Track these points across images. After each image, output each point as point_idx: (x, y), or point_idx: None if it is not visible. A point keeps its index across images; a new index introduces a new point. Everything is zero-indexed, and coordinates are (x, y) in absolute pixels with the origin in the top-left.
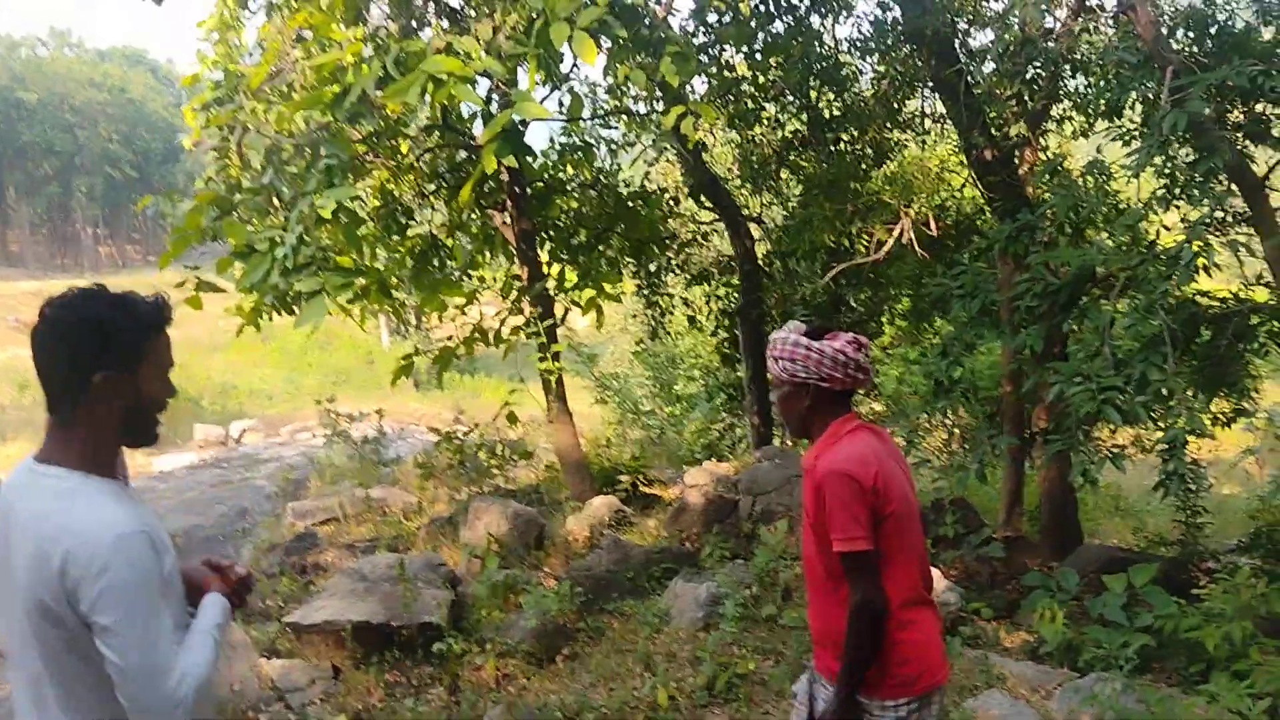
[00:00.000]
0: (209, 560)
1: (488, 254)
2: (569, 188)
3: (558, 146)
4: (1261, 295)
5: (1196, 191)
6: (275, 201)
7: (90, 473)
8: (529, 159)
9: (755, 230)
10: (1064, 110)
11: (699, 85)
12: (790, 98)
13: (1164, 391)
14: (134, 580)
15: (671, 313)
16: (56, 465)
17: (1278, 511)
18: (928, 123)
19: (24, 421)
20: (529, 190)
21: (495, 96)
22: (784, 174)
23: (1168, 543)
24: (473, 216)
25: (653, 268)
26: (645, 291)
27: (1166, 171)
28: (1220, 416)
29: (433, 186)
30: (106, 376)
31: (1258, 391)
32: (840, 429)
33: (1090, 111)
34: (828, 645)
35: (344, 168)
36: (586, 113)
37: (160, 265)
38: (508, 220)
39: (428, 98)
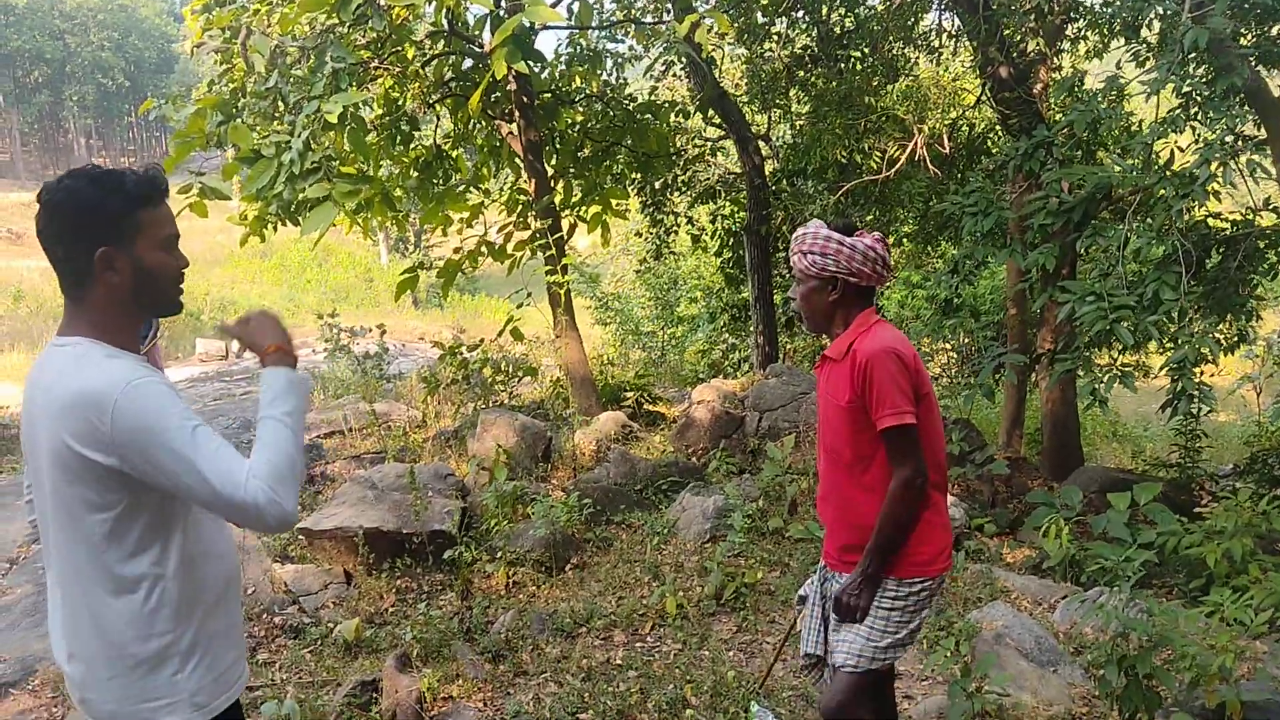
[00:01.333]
0: (222, 325)
1: (493, 166)
2: (576, 100)
3: (565, 56)
4: (1269, 220)
5: (1213, 111)
6: (280, 106)
7: (100, 340)
8: (537, 68)
9: (763, 149)
10: (1080, 29)
11: None
12: (801, 13)
13: (1175, 312)
14: (163, 409)
15: (676, 231)
16: (70, 336)
17: (1275, 437)
18: (942, 39)
19: (19, 333)
20: (536, 101)
21: (504, 1)
22: (793, 91)
23: (1167, 465)
24: (479, 127)
25: (659, 184)
26: (650, 209)
27: (1184, 91)
28: (1224, 341)
29: (438, 95)
30: (105, 251)
31: (1260, 317)
32: (868, 319)
33: (1106, 30)
34: (850, 531)
35: (350, 72)
36: (595, 21)
37: (165, 170)
38: (515, 131)
39: (434, 1)
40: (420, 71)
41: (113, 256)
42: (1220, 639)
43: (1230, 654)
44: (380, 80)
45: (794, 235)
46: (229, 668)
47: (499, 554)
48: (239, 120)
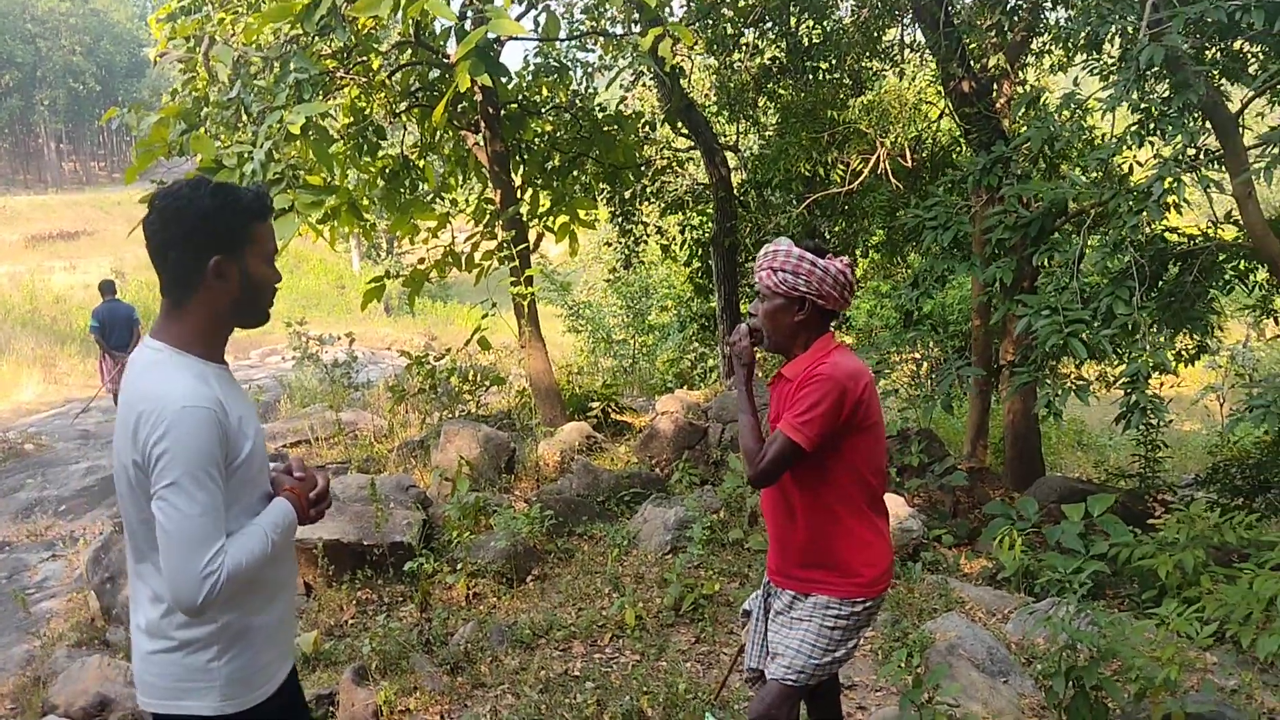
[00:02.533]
0: (290, 467)
1: (460, 176)
2: (544, 110)
3: (532, 67)
4: (1229, 234)
5: (1170, 126)
6: (243, 116)
7: (182, 349)
8: (503, 79)
9: (731, 159)
10: (1043, 44)
11: (677, 8)
12: (769, 24)
13: (1129, 326)
14: (189, 449)
15: (645, 241)
16: (158, 340)
17: (1236, 448)
18: (907, 53)
19: None
20: (503, 111)
21: (469, 13)
22: (761, 102)
23: (1128, 475)
24: (445, 137)
25: (627, 195)
26: (619, 219)
27: (1142, 107)
28: (1184, 353)
29: (404, 105)
30: (218, 260)
31: (1221, 329)
32: (828, 344)
33: (1069, 45)
34: (789, 550)
35: (314, 83)
36: (563, 34)
37: (126, 180)
38: (481, 142)
39: (400, 12)
40: (386, 81)
41: (224, 266)
42: (1166, 651)
43: (1175, 666)
44: (346, 90)
45: (762, 251)
46: (267, 665)
47: (460, 565)
48: (202, 130)
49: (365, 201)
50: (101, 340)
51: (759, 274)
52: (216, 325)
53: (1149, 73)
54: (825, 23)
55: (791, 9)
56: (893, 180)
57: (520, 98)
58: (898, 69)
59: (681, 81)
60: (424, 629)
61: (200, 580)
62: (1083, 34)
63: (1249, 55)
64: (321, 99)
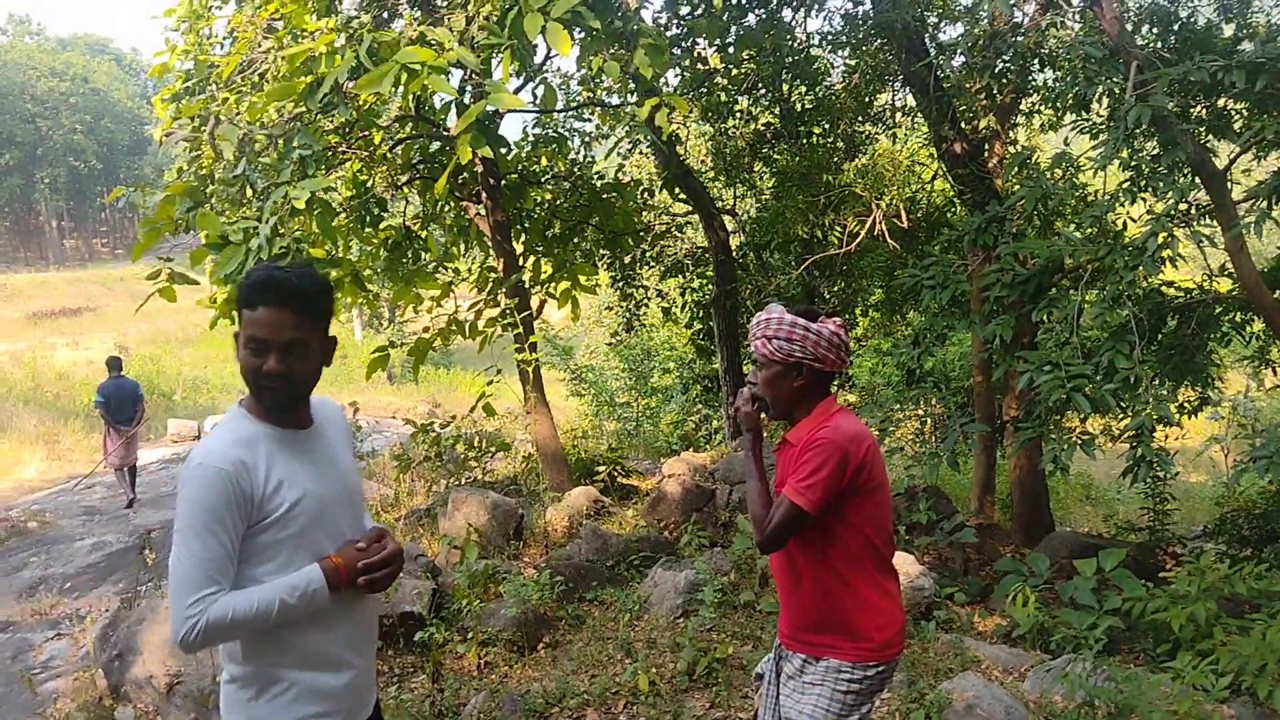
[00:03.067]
0: (368, 536)
1: (462, 246)
2: (543, 179)
3: (531, 138)
4: (1224, 286)
5: (1161, 184)
6: (248, 192)
7: (246, 410)
8: (503, 150)
9: (729, 223)
10: (1033, 104)
11: (672, 78)
12: (763, 91)
13: (1131, 379)
14: (190, 503)
15: (646, 305)
16: (239, 401)
17: (1243, 499)
18: (898, 116)
19: None
20: (503, 182)
21: (469, 87)
22: (757, 166)
23: (1137, 529)
24: (447, 208)
25: (627, 260)
26: (620, 284)
27: (1132, 164)
28: (1186, 405)
29: (405, 177)
30: (235, 334)
31: (1222, 380)
32: (829, 408)
33: (1058, 106)
34: (800, 612)
35: (317, 158)
36: (560, 104)
37: (133, 257)
38: (482, 212)
39: (401, 88)
40: (388, 155)
41: (237, 340)
42: (1183, 705)
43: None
44: (348, 164)
45: (755, 320)
46: (308, 717)
47: (470, 634)
48: (207, 206)
49: (368, 272)
50: (107, 415)
51: (754, 343)
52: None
53: (1138, 131)
54: (817, 89)
55: (784, 76)
56: (889, 241)
57: (520, 168)
58: (890, 132)
59: (678, 148)
60: (436, 700)
61: (182, 620)
62: (1070, 95)
63: (1233, 112)
64: (325, 174)
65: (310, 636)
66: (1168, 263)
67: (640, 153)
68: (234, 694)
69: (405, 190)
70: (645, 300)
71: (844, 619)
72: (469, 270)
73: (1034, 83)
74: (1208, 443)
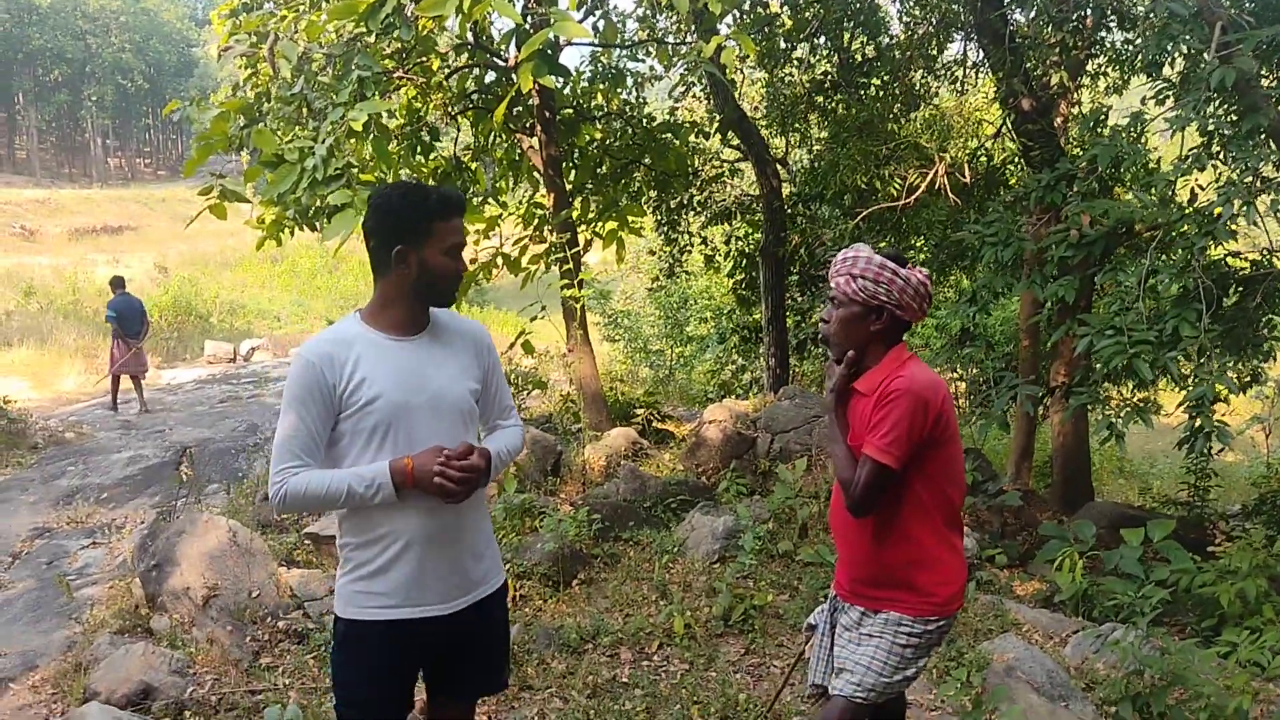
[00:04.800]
0: (441, 446)
1: (511, 180)
2: (597, 117)
3: (588, 73)
4: None
5: (1238, 149)
6: (305, 112)
7: (361, 316)
8: (560, 83)
9: (781, 172)
10: (1099, 66)
11: (731, 20)
12: (822, 39)
13: (1197, 348)
14: (289, 384)
15: (689, 251)
16: (358, 309)
17: None
18: (963, 71)
19: (29, 328)
20: (558, 116)
21: (531, 16)
22: (812, 117)
23: (1175, 504)
24: (499, 140)
25: (674, 204)
26: (665, 228)
27: (1210, 128)
28: (1236, 381)
29: (460, 107)
30: (400, 249)
31: (1274, 357)
32: (900, 355)
33: (1127, 68)
34: (861, 565)
35: (375, 81)
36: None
37: (185, 172)
38: (536, 145)
39: (463, 12)
40: (444, 83)
41: (406, 254)
42: (1237, 680)
43: (1247, 695)
44: (403, 90)
45: (840, 255)
46: (382, 593)
47: (506, 566)
48: (263, 125)
49: None
50: (119, 328)
51: (835, 280)
52: (397, 301)
53: (1216, 95)
54: (879, 39)
55: (845, 25)
56: (950, 195)
57: (576, 103)
58: (953, 86)
59: (733, 92)
60: None
61: (271, 484)
62: (1144, 56)
63: None
64: (381, 98)
65: (383, 527)
66: (1235, 232)
67: (693, 96)
68: (340, 568)
69: (459, 119)
70: (689, 246)
71: (909, 573)
72: (516, 206)
73: (1103, 43)
74: (1250, 421)
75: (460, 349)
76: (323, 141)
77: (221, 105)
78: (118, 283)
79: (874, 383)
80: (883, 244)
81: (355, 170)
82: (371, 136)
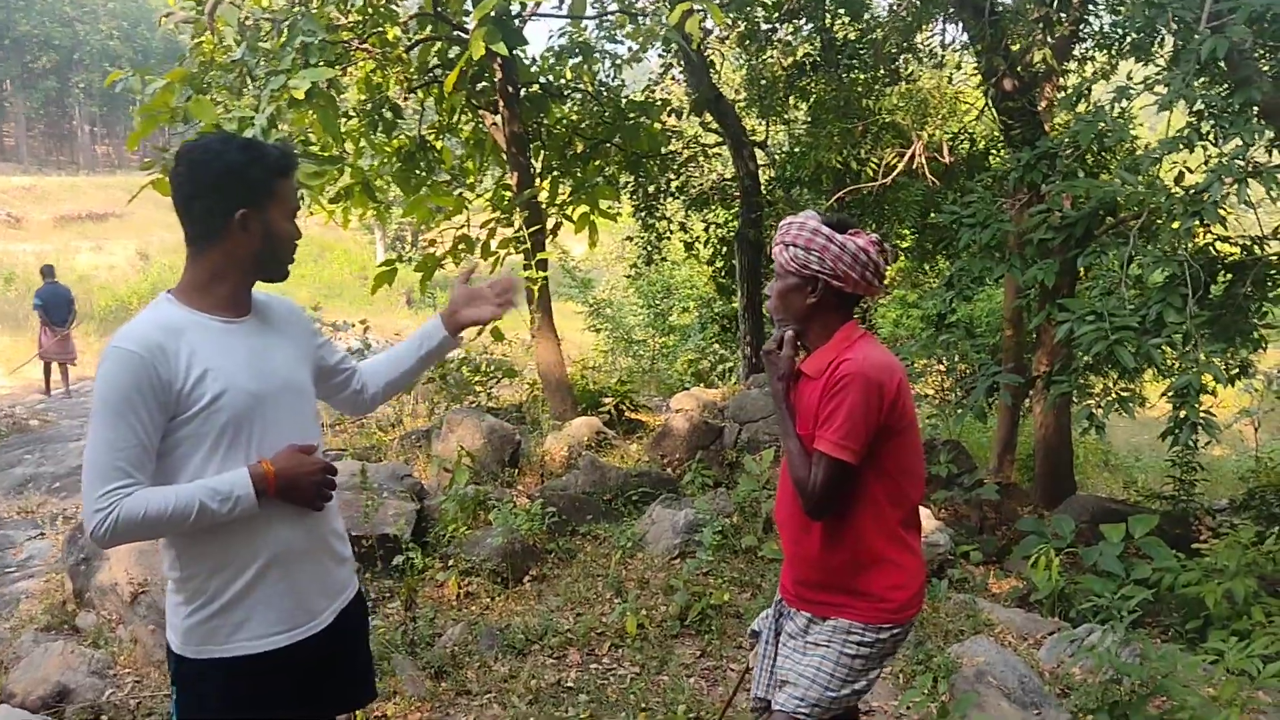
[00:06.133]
0: (298, 445)
1: (478, 160)
2: (566, 94)
3: (555, 49)
4: (1272, 249)
5: (1230, 125)
6: (247, 81)
7: (176, 297)
8: (521, 54)
9: (759, 157)
10: (1085, 50)
11: None
12: (803, 20)
13: (1182, 335)
14: (105, 385)
15: (668, 238)
16: (169, 290)
17: (1274, 473)
18: (946, 53)
19: (5, 315)
20: (524, 92)
21: None
22: (792, 100)
23: (1160, 498)
24: (464, 119)
25: (651, 189)
26: (642, 214)
27: (1197, 108)
28: (1223, 373)
29: (421, 82)
30: (245, 213)
31: (1265, 347)
32: (851, 333)
33: (1114, 51)
34: (806, 566)
35: (321, 47)
36: (591, 12)
37: (129, 146)
38: (499, 122)
39: None
40: (404, 56)
41: (249, 218)
42: (1225, 690)
43: (1236, 708)
44: (361, 65)
45: (780, 224)
46: (240, 624)
47: (452, 562)
48: (206, 95)
49: (379, 182)
50: (45, 316)
51: (773, 249)
52: (228, 277)
53: (1207, 69)
54: (861, 20)
55: (827, 5)
56: (928, 176)
57: (542, 79)
58: (935, 66)
59: (711, 74)
60: (409, 629)
61: (93, 512)
62: (1131, 35)
63: None
64: (331, 67)
65: (238, 547)
66: (1221, 216)
67: (672, 78)
68: (170, 600)
69: (421, 96)
70: (667, 233)
71: (860, 576)
72: (486, 189)
73: (1090, 27)
74: (1238, 415)
75: (287, 329)
76: (263, 111)
77: (166, 76)
78: (47, 271)
79: (821, 365)
80: (866, 227)
81: (311, 147)
82: (317, 106)
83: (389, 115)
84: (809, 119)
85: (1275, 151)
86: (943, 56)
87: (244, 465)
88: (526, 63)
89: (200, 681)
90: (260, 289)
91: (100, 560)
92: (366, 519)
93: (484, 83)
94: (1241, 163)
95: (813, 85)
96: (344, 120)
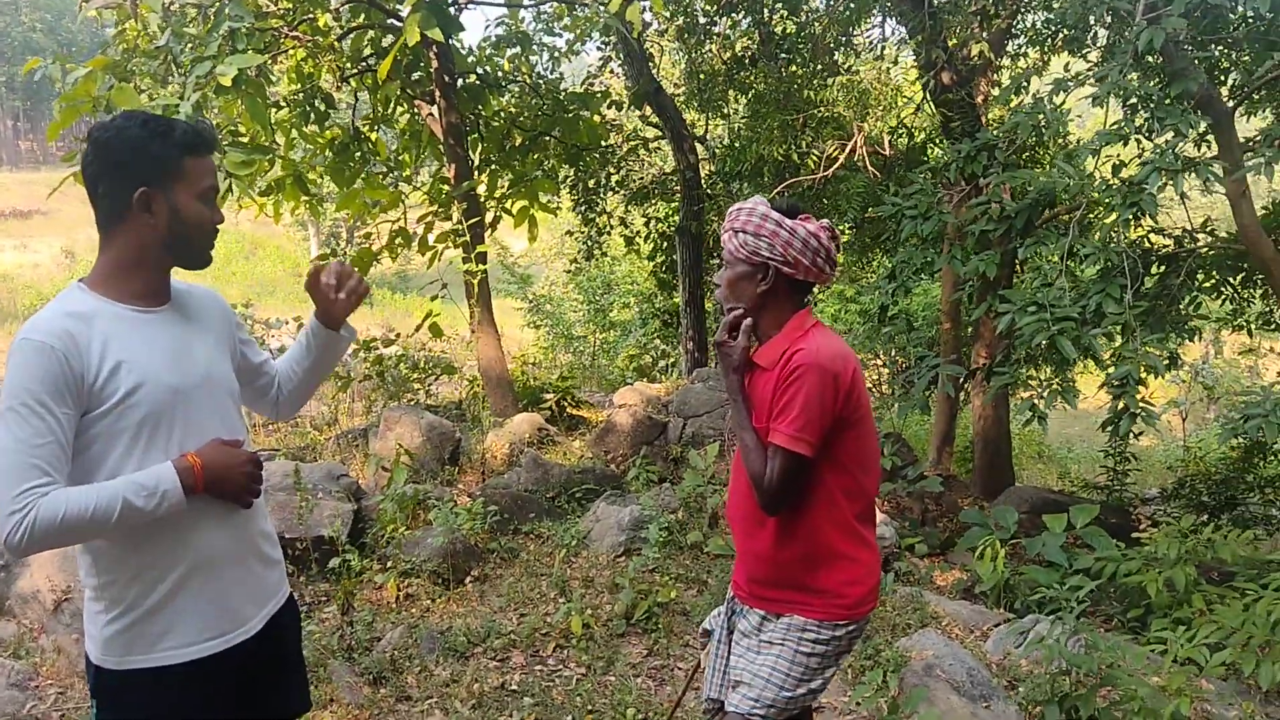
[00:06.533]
0: (224, 439)
1: (415, 152)
2: (504, 85)
3: (492, 39)
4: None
5: (1166, 117)
6: (174, 68)
7: (88, 285)
8: (458, 43)
9: (700, 150)
10: (1018, 47)
11: None
12: (741, 14)
13: (1122, 326)
14: (12, 380)
15: (608, 233)
16: (80, 281)
17: (1203, 463)
18: (882, 44)
19: None
20: (461, 82)
21: None
22: (731, 95)
23: (1095, 488)
24: (400, 109)
25: (591, 183)
26: (582, 208)
27: (1131, 102)
28: (1162, 359)
29: (354, 71)
30: (144, 192)
31: (1199, 336)
32: (804, 322)
33: (1047, 47)
34: (758, 562)
35: (248, 33)
36: (528, 0)
37: (49, 137)
38: (435, 113)
39: None
40: (336, 44)
41: (150, 198)
42: (1174, 681)
43: (1186, 698)
44: (292, 53)
45: (729, 211)
46: (162, 634)
47: (390, 563)
48: (130, 84)
49: (312, 175)
50: None
51: (722, 236)
52: (141, 263)
53: (1141, 62)
54: (799, 14)
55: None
56: (869, 168)
57: (480, 70)
58: (874, 61)
59: (650, 67)
60: (345, 633)
61: (6, 515)
62: (1064, 31)
63: (1230, 62)
64: (260, 54)
65: (161, 549)
66: (1145, 215)
67: (610, 71)
68: (88, 608)
69: (355, 85)
70: (608, 228)
71: (814, 572)
72: (423, 183)
73: (1023, 23)
74: (1166, 406)
75: (208, 320)
76: (187, 99)
77: (87, 64)
78: None
79: (774, 355)
80: None
81: (243, 138)
82: (245, 93)
83: (321, 106)
84: (749, 113)
85: (1205, 145)
86: (882, 49)
87: (165, 460)
88: (463, 53)
89: (122, 694)
90: (187, 279)
91: (20, 567)
92: (301, 521)
93: (419, 72)
94: (1174, 155)
95: (752, 79)
96: (275, 111)
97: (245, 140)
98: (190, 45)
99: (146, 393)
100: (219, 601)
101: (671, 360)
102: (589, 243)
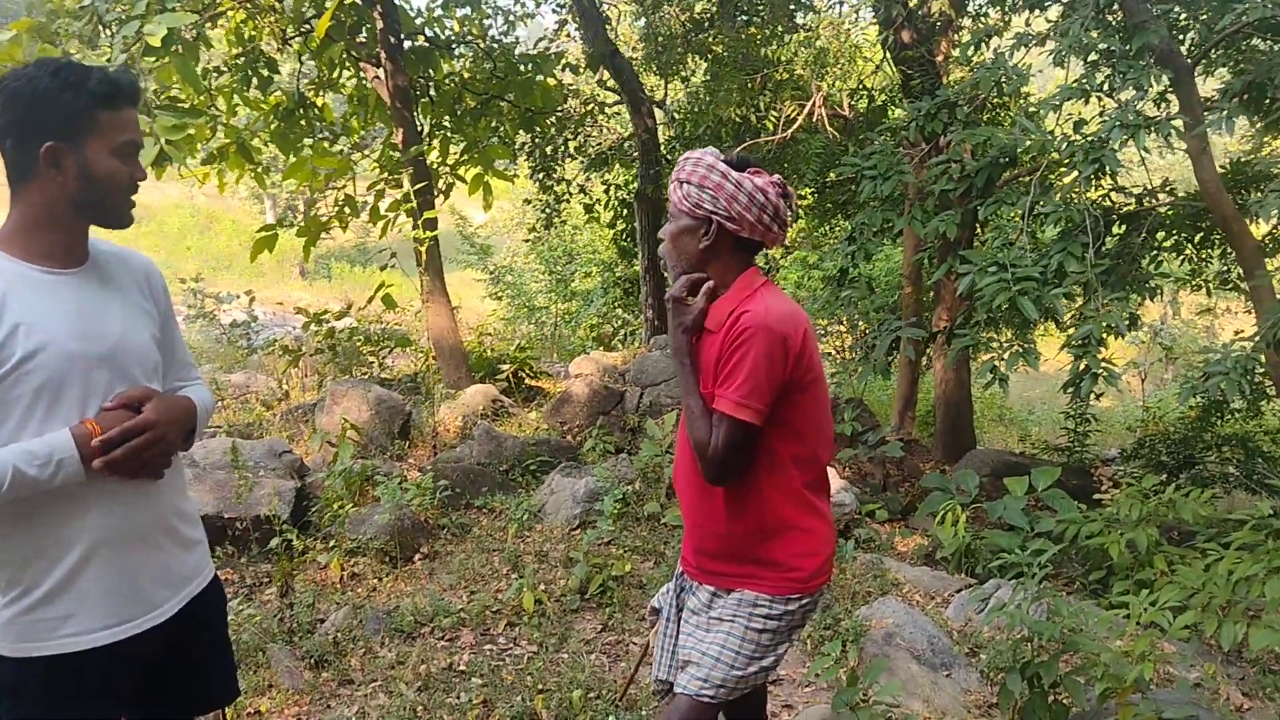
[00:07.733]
0: (124, 396)
1: (363, 118)
2: (454, 47)
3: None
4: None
5: (1127, 71)
6: (101, 30)
7: (4, 249)
8: (405, 3)
9: (658, 114)
10: (980, 6)
11: None
12: None
13: (1084, 285)
14: None
15: (568, 201)
16: None
17: (1161, 423)
18: (843, 9)
19: None
20: (408, 45)
21: None
22: (690, 59)
23: (1055, 450)
24: (346, 74)
25: (548, 150)
26: (540, 175)
27: (1092, 59)
28: (1124, 318)
29: (295, 33)
30: (51, 146)
31: (1161, 295)
32: (752, 281)
33: (1008, 6)
34: (707, 536)
35: None
36: None
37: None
38: (382, 76)
39: None
40: (277, 5)
41: (60, 153)
42: (1137, 646)
43: (1149, 664)
44: (231, 15)
45: (678, 160)
46: (62, 619)
47: (334, 542)
48: (56, 47)
49: (256, 142)
50: None
51: (669, 189)
52: (50, 221)
53: (1101, 17)
54: None
55: None
56: (829, 129)
57: (428, 31)
58: (834, 23)
59: (607, 29)
60: (286, 616)
61: None
62: None
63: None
64: (192, 13)
65: (57, 527)
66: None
67: (567, 34)
68: None
69: (298, 48)
70: (567, 195)
71: (765, 545)
72: (373, 150)
73: None
74: (1126, 366)
75: (129, 286)
76: (114, 60)
77: (10, 26)
78: None
79: (720, 316)
80: None
81: (181, 103)
82: (175, 53)
83: (264, 70)
84: (708, 75)
85: (1165, 104)
86: (841, 5)
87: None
88: (410, 14)
89: (20, 682)
90: (119, 242)
91: None
92: (239, 500)
93: (364, 34)
94: (1136, 112)
95: (711, 41)
96: (215, 76)
97: (185, 104)
98: (117, 4)
99: (46, 358)
100: (124, 585)
101: (633, 329)
102: (547, 210)
